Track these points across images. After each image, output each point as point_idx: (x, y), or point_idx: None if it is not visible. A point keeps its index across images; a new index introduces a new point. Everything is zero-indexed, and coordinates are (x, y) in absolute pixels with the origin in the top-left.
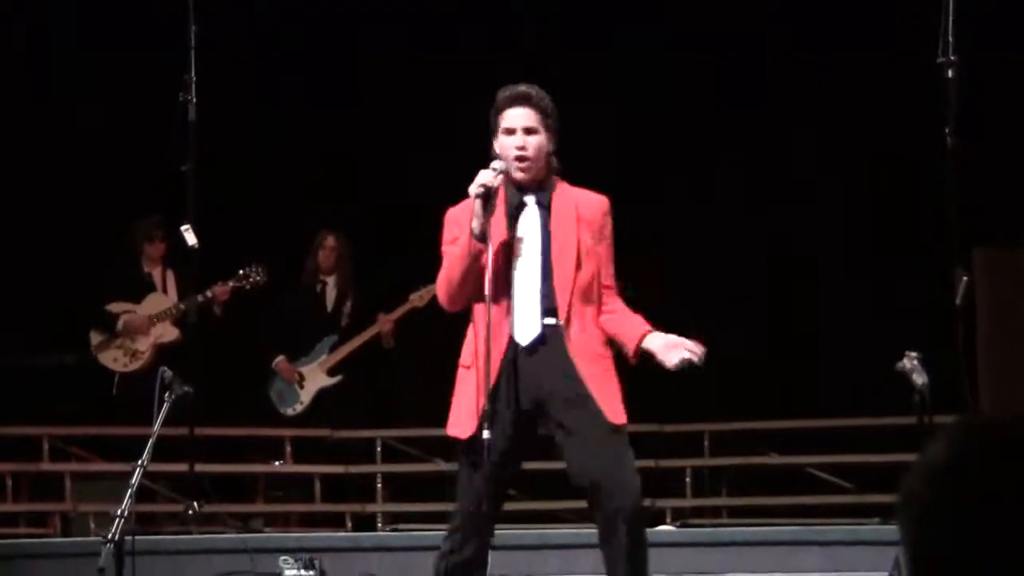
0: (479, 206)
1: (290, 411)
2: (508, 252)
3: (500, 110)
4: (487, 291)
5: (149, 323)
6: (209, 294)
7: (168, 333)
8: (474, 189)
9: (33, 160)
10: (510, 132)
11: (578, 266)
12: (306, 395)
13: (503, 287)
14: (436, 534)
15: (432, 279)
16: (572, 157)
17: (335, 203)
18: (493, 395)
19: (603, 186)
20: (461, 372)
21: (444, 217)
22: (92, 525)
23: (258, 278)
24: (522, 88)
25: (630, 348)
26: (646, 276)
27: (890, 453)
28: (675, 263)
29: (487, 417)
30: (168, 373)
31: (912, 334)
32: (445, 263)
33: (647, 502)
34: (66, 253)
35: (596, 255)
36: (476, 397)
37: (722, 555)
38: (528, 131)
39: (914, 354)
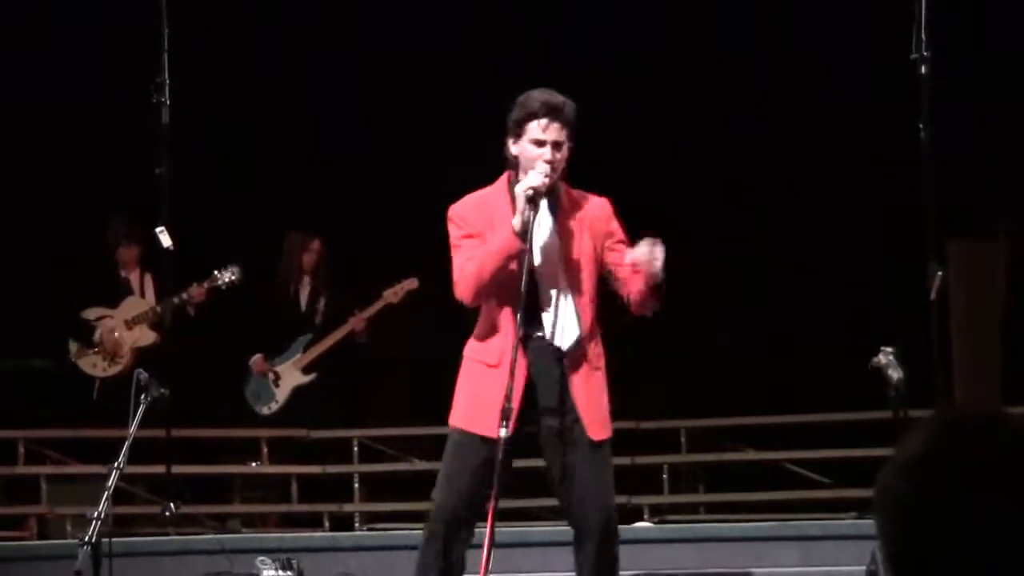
0: (526, 207)
1: (265, 410)
2: (531, 256)
3: (530, 117)
4: (522, 290)
5: (123, 329)
6: (185, 296)
7: (146, 337)
8: (522, 189)
9: (6, 163)
10: (540, 144)
11: (585, 277)
12: (281, 394)
13: (531, 291)
14: (414, 533)
15: (406, 276)
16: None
17: (307, 202)
18: (510, 395)
19: (593, 181)
20: (483, 369)
21: (448, 213)
22: (68, 528)
23: (233, 278)
24: (555, 100)
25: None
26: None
27: (866, 448)
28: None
29: (506, 415)
30: (144, 375)
31: (887, 329)
32: (471, 258)
33: (624, 499)
34: (40, 256)
35: (600, 259)
36: (502, 396)
37: (699, 551)
38: (556, 145)
39: (889, 349)
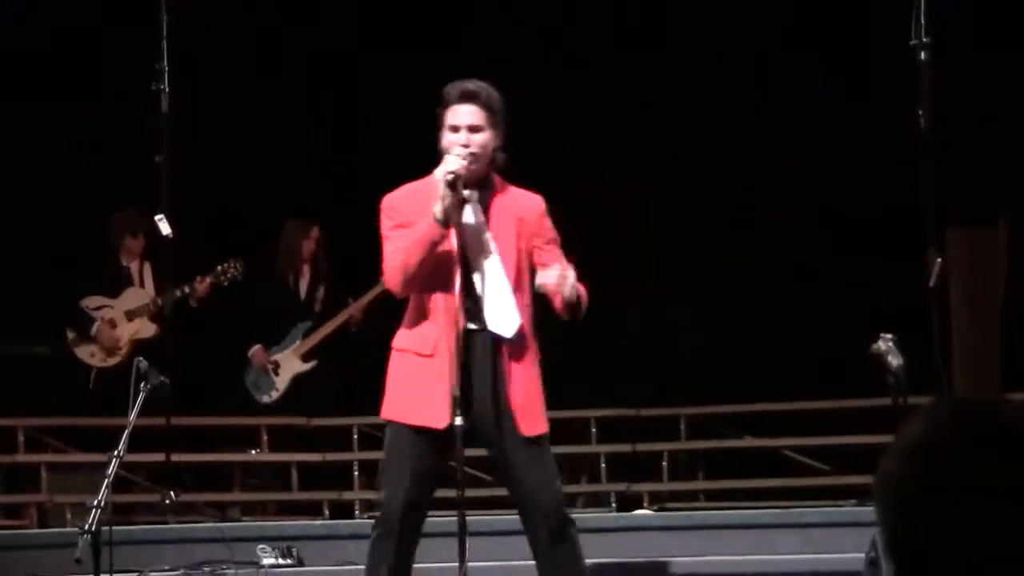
0: (446, 192)
1: (266, 398)
2: (464, 245)
3: (446, 106)
4: (457, 278)
5: (123, 321)
6: (187, 289)
7: (146, 329)
8: (441, 175)
9: (4, 152)
10: (455, 129)
11: (515, 272)
12: (281, 382)
13: (467, 280)
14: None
15: None
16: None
17: (307, 190)
18: (465, 383)
19: (580, 167)
20: (416, 359)
21: (381, 204)
22: (68, 516)
23: (236, 273)
24: (470, 85)
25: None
26: (621, 258)
27: (866, 435)
28: (650, 246)
29: (458, 404)
30: (144, 363)
31: (887, 316)
32: (398, 249)
33: (624, 486)
34: (39, 243)
35: (529, 257)
36: (443, 389)
37: (699, 538)
38: (473, 129)
39: (889, 336)
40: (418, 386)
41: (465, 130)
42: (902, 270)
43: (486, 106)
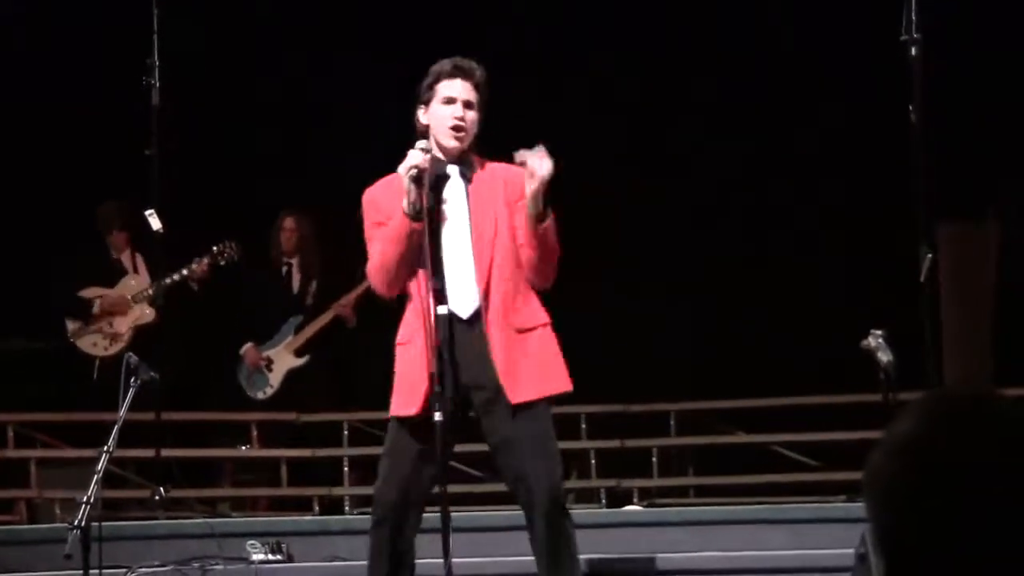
0: (411, 186)
1: (260, 395)
2: (438, 227)
3: (439, 79)
4: (427, 268)
5: (127, 302)
6: (186, 272)
7: (147, 315)
8: (405, 170)
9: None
10: (450, 101)
11: (496, 241)
12: (275, 378)
13: (437, 263)
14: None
15: None
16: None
17: (300, 183)
18: (441, 375)
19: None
20: (399, 351)
21: (363, 199)
22: (58, 511)
23: (232, 253)
24: (465, 61)
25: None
26: (613, 253)
27: (856, 431)
28: (642, 240)
29: (436, 398)
30: (134, 359)
31: (877, 311)
32: (376, 248)
33: (614, 482)
34: (30, 237)
35: (516, 226)
36: (420, 375)
37: (689, 534)
38: (467, 104)
39: (879, 332)
40: (399, 376)
41: (460, 103)
42: (893, 265)
43: (478, 85)
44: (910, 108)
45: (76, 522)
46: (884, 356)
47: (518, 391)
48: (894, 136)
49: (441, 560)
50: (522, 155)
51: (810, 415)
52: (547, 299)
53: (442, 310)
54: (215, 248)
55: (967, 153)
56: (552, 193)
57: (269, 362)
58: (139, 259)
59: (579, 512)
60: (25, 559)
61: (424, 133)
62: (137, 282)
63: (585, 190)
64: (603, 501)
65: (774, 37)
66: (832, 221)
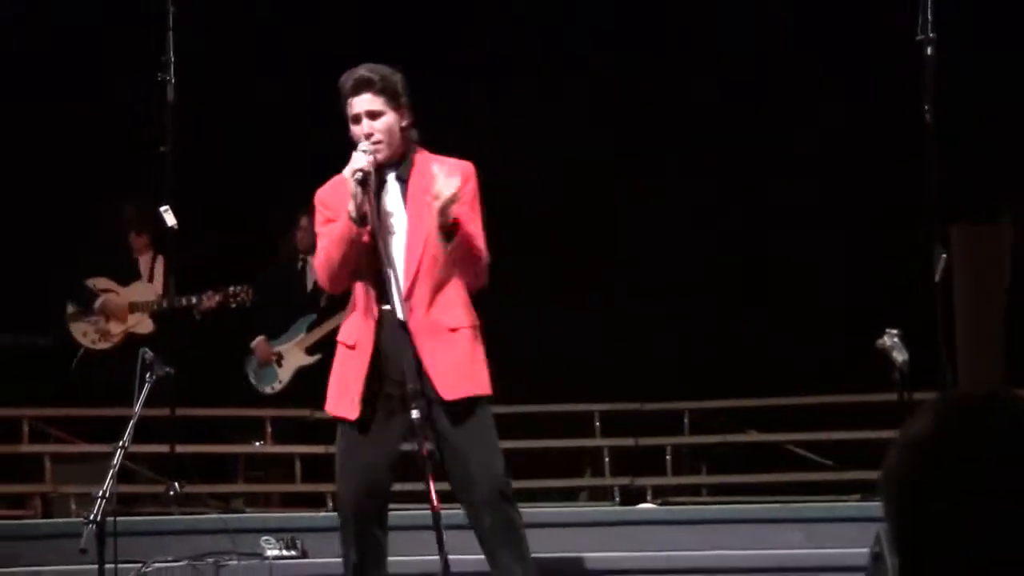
0: (357, 190)
1: (268, 389)
2: (380, 230)
3: (345, 99)
4: (383, 270)
5: (127, 310)
6: (195, 300)
7: (144, 325)
8: (349, 174)
9: (10, 140)
10: (356, 120)
11: (427, 241)
12: (284, 374)
13: (379, 265)
14: (414, 513)
15: None
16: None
17: (313, 181)
18: (384, 374)
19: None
20: (342, 351)
21: (314, 199)
22: (72, 506)
23: (245, 299)
24: (362, 73)
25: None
26: (625, 253)
27: (870, 430)
28: (653, 240)
29: (414, 395)
30: (149, 354)
31: (892, 311)
32: (322, 245)
33: (627, 480)
34: (44, 233)
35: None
36: (355, 377)
37: (703, 533)
38: (372, 115)
39: (894, 331)
40: (340, 378)
41: (365, 118)
42: (908, 265)
43: (382, 91)
44: (925, 108)
45: (92, 517)
46: (899, 355)
47: (449, 388)
48: (908, 135)
49: (436, 557)
50: (437, 178)
51: (824, 414)
52: (568, 299)
53: (386, 310)
54: (230, 290)
55: (981, 153)
56: (553, 194)
57: (280, 357)
58: (159, 266)
59: (593, 510)
60: (40, 553)
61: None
62: (146, 290)
63: (600, 192)
64: (617, 499)
65: (774, 37)
66: (846, 219)
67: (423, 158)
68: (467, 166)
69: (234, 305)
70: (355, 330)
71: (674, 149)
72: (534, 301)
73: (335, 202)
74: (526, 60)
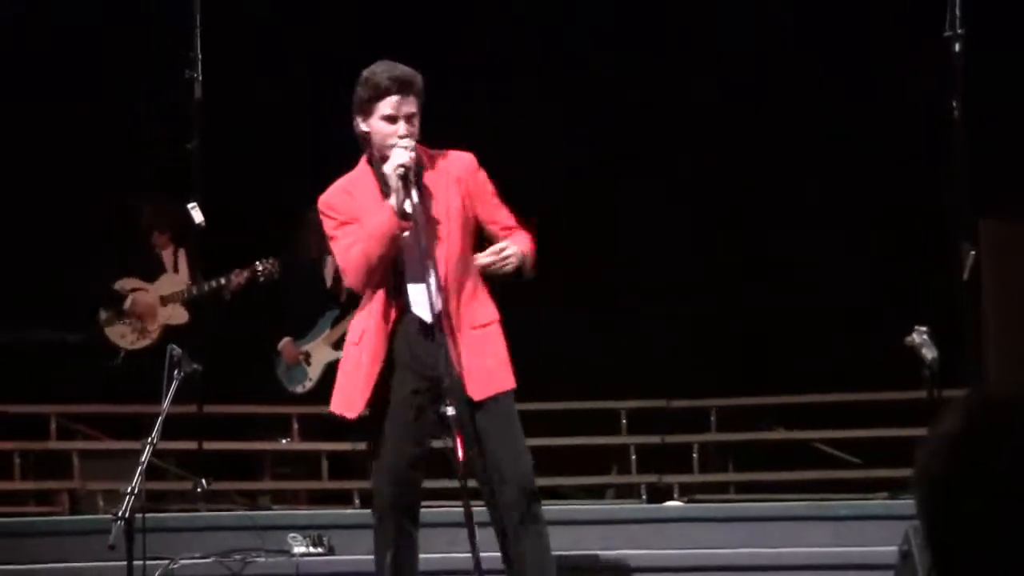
0: (399, 185)
1: (299, 388)
2: (423, 225)
3: (380, 95)
4: (424, 264)
5: (157, 304)
6: (224, 280)
7: (178, 315)
8: (392, 169)
9: (40, 137)
10: (392, 120)
11: (450, 240)
12: (314, 371)
13: (414, 264)
14: (441, 510)
15: None
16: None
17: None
18: (412, 371)
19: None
20: (351, 348)
21: (319, 206)
22: (100, 503)
23: (273, 271)
24: (404, 73)
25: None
26: (652, 251)
27: (898, 428)
28: (681, 238)
29: (448, 391)
30: (177, 351)
31: (921, 308)
32: (349, 246)
33: (655, 478)
34: (72, 230)
35: (473, 218)
36: (366, 376)
37: (730, 531)
38: (409, 118)
39: (923, 328)
40: (345, 375)
41: (403, 120)
42: (936, 262)
43: (420, 95)
44: (952, 104)
45: (120, 513)
46: (928, 353)
47: (478, 388)
48: (936, 132)
49: (469, 554)
50: (482, 264)
51: (852, 412)
52: (588, 299)
53: (412, 306)
54: (257, 264)
55: (1010, 150)
56: (551, 192)
57: (307, 356)
58: (182, 257)
59: (620, 508)
60: (68, 549)
61: (365, 139)
62: (174, 281)
63: (629, 191)
64: (644, 497)
65: (774, 37)
66: (875, 216)
67: (429, 155)
68: (470, 157)
69: (262, 279)
70: (359, 327)
71: (670, 149)
72: (558, 301)
73: (344, 206)
74: (526, 60)
